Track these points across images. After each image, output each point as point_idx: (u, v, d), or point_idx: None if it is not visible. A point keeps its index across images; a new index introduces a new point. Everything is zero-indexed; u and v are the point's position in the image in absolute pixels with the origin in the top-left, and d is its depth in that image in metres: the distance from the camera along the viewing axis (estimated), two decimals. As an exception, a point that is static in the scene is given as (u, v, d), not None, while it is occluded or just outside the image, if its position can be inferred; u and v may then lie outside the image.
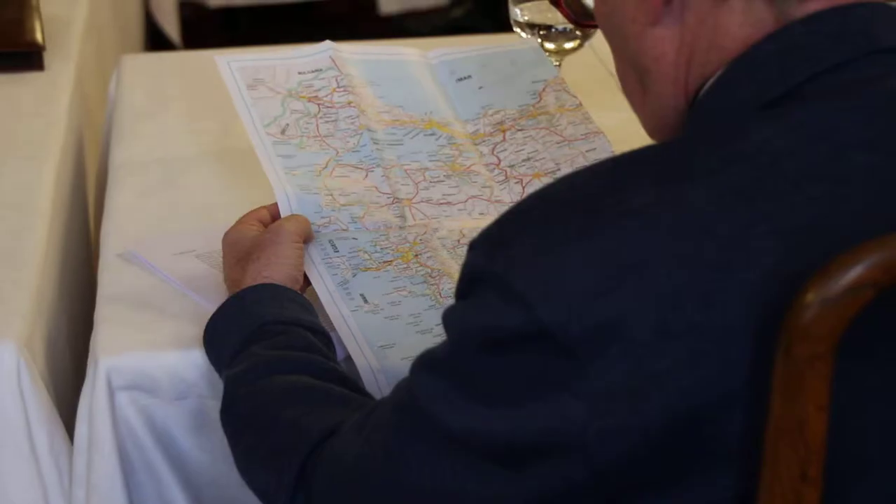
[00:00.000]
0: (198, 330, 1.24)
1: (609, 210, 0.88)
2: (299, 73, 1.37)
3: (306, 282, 1.26)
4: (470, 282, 0.92)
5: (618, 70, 1.05)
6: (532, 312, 0.86)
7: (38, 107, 1.70)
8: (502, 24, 1.68)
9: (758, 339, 0.86)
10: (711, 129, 0.93)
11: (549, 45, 1.54)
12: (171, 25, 3.56)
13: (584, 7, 1.04)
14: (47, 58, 1.79)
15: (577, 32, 1.54)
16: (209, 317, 1.22)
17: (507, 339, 0.88)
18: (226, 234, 1.29)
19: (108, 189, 1.54)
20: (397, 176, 1.34)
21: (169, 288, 1.33)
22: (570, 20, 1.07)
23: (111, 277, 1.36)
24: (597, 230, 0.87)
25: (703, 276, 0.86)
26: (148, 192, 1.51)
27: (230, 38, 3.67)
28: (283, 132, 1.33)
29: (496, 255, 0.89)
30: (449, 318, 0.94)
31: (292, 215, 1.28)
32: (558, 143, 1.40)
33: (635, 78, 1.02)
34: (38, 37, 1.78)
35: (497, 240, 0.91)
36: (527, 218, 0.91)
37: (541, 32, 1.54)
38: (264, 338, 1.16)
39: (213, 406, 1.22)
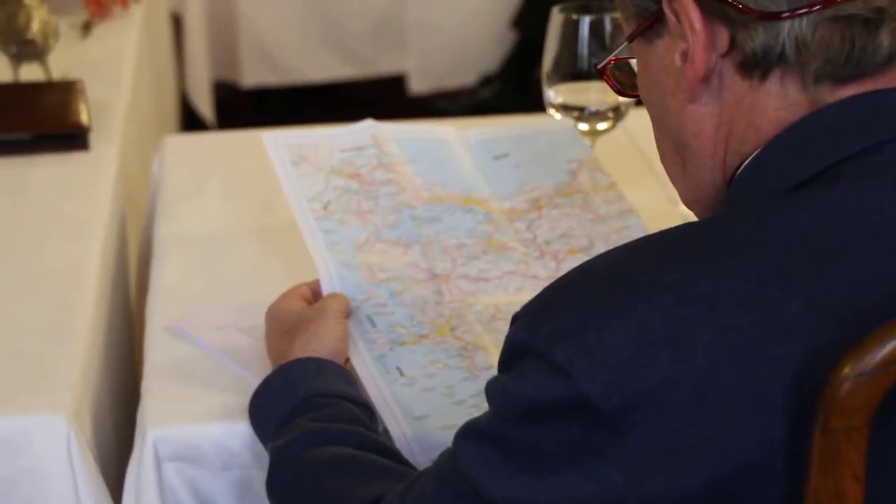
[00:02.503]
0: (241, 401, 1.27)
1: (647, 285, 0.91)
2: (341, 150, 1.41)
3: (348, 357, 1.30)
4: (513, 354, 0.95)
5: (657, 141, 1.07)
6: (573, 384, 0.90)
7: (83, 186, 1.74)
8: (530, 104, 1.72)
9: (794, 412, 0.89)
10: (747, 207, 0.96)
11: (583, 127, 1.58)
12: (205, 106, 3.63)
13: (630, 77, 1.07)
14: (92, 138, 1.84)
15: (610, 114, 1.58)
16: (252, 388, 1.26)
17: (548, 409, 0.92)
18: (270, 309, 1.33)
19: (153, 265, 1.58)
20: (435, 252, 1.38)
21: (213, 360, 1.36)
22: (615, 90, 1.11)
23: (157, 350, 1.40)
24: (635, 304, 0.90)
25: (739, 350, 0.89)
26: (191, 268, 1.55)
27: (262, 117, 3.74)
28: (325, 208, 1.37)
29: (538, 329, 0.93)
30: (492, 388, 0.97)
31: (335, 293, 1.32)
32: (592, 220, 1.44)
33: (674, 150, 1.05)
34: (84, 118, 1.84)
35: (539, 313, 0.94)
36: (568, 292, 0.94)
37: (574, 114, 1.58)
38: (309, 410, 1.19)
39: (258, 476, 1.25)
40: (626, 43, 1.04)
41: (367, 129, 1.44)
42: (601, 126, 1.59)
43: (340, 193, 1.38)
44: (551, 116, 1.60)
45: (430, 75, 3.92)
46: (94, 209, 1.69)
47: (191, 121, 3.58)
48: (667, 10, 0.98)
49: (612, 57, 1.09)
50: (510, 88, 3.83)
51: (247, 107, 3.89)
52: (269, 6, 3.75)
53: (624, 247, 0.97)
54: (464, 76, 3.93)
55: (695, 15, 0.96)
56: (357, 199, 1.38)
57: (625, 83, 1.10)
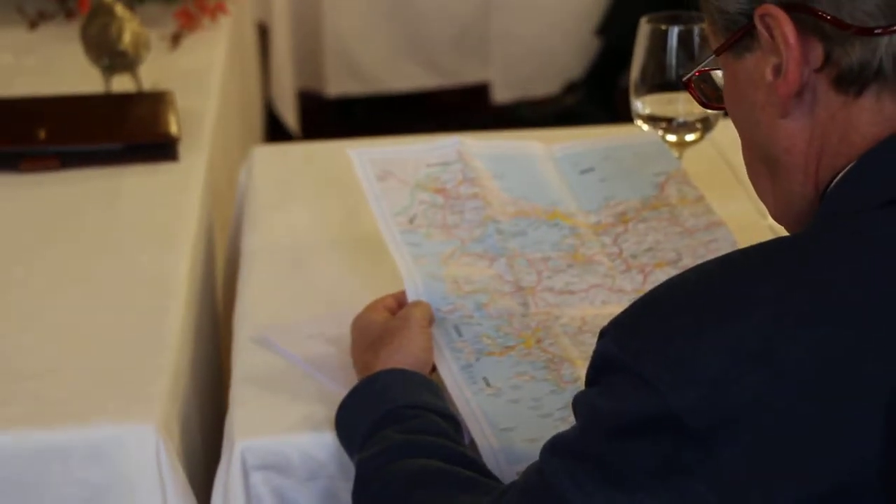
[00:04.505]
0: (328, 411, 1.28)
1: (739, 300, 0.90)
2: (427, 165, 1.42)
3: (434, 366, 1.30)
4: (601, 368, 0.95)
5: (744, 154, 1.06)
6: (662, 399, 0.89)
7: (172, 195, 1.77)
8: (615, 112, 1.71)
9: (889, 431, 0.88)
10: (841, 222, 0.95)
11: (671, 138, 1.57)
12: (290, 115, 3.66)
13: (716, 90, 1.07)
14: (182, 149, 1.86)
15: (698, 125, 1.57)
16: (339, 399, 1.26)
17: (636, 424, 0.91)
18: (355, 320, 1.34)
19: (241, 275, 1.60)
20: (521, 265, 1.38)
21: (300, 370, 1.37)
22: (700, 103, 1.10)
23: (245, 360, 1.41)
24: (727, 320, 0.90)
25: (834, 367, 0.88)
26: (278, 278, 1.57)
27: (346, 127, 3.77)
28: (411, 222, 1.38)
29: (627, 343, 0.92)
30: (579, 403, 0.97)
31: (418, 302, 1.32)
32: (680, 233, 1.43)
33: (763, 165, 1.04)
34: (174, 129, 1.86)
35: (628, 328, 0.94)
36: (657, 307, 0.94)
37: (662, 125, 1.57)
38: (396, 421, 1.20)
39: (343, 487, 1.26)
40: (713, 56, 1.03)
41: (452, 144, 1.44)
42: (689, 137, 1.58)
43: (426, 208, 1.39)
44: (638, 127, 1.59)
45: (513, 84, 3.92)
46: (183, 219, 1.71)
47: (276, 130, 3.61)
48: (759, 25, 0.97)
49: (698, 69, 1.08)
50: (595, 96, 3.82)
51: (331, 116, 3.92)
52: (354, 17, 3.78)
53: (714, 261, 0.96)
54: (548, 84, 3.93)
55: (789, 30, 0.95)
56: (443, 213, 1.39)
57: (710, 96, 1.09)
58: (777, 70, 0.97)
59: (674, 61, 1.54)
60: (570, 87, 3.92)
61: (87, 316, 1.48)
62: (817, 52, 0.96)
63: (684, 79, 1.09)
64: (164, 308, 1.50)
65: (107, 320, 1.48)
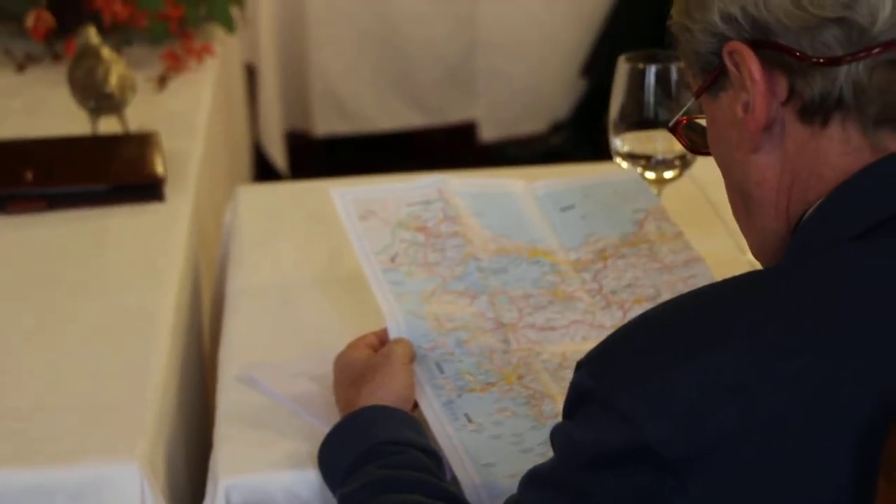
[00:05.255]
0: (312, 449, 1.29)
1: (712, 332, 0.92)
2: (408, 204, 1.43)
3: (416, 402, 1.31)
4: (577, 401, 0.96)
5: (728, 194, 1.09)
6: (637, 431, 0.90)
7: (159, 235, 1.78)
8: (601, 152, 1.73)
9: (861, 459, 0.89)
10: (811, 256, 0.97)
11: (650, 175, 1.59)
12: (278, 155, 3.68)
13: (701, 135, 1.09)
14: (168, 189, 1.88)
15: (677, 162, 1.59)
16: (322, 436, 1.28)
17: (612, 456, 0.92)
18: (337, 357, 1.35)
19: (226, 314, 1.61)
20: (502, 302, 1.40)
21: (284, 408, 1.39)
22: (688, 148, 1.12)
23: (230, 398, 1.42)
24: (700, 352, 0.91)
25: (806, 397, 0.89)
26: (263, 317, 1.58)
27: (334, 166, 3.78)
28: (392, 260, 1.40)
29: (602, 376, 0.94)
30: (556, 435, 0.98)
31: (400, 339, 1.34)
32: (659, 269, 1.45)
33: (741, 202, 1.06)
34: (160, 170, 1.88)
35: (603, 361, 0.95)
36: (632, 340, 0.95)
37: (641, 162, 1.59)
38: (378, 457, 1.21)
39: (327, 523, 1.27)
40: (693, 100, 1.06)
41: (433, 183, 1.46)
42: (668, 174, 1.60)
43: (407, 246, 1.41)
44: (618, 165, 1.61)
45: (500, 123, 3.94)
46: (169, 259, 1.72)
47: (264, 170, 3.63)
48: (727, 62, 0.99)
49: (680, 115, 1.10)
50: (581, 136, 3.84)
51: (319, 156, 3.94)
52: (341, 56, 3.81)
53: (688, 294, 0.98)
54: (534, 124, 3.95)
55: (754, 65, 0.98)
56: (424, 251, 1.40)
57: (696, 141, 1.11)
58: (746, 106, 1.00)
59: (652, 99, 1.56)
60: (557, 127, 3.95)
61: (73, 355, 1.50)
62: (782, 85, 0.98)
63: (669, 126, 1.12)
64: (149, 347, 1.51)
65: (92, 360, 1.49)
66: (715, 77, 1.01)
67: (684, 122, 1.11)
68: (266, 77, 3.67)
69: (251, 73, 3.60)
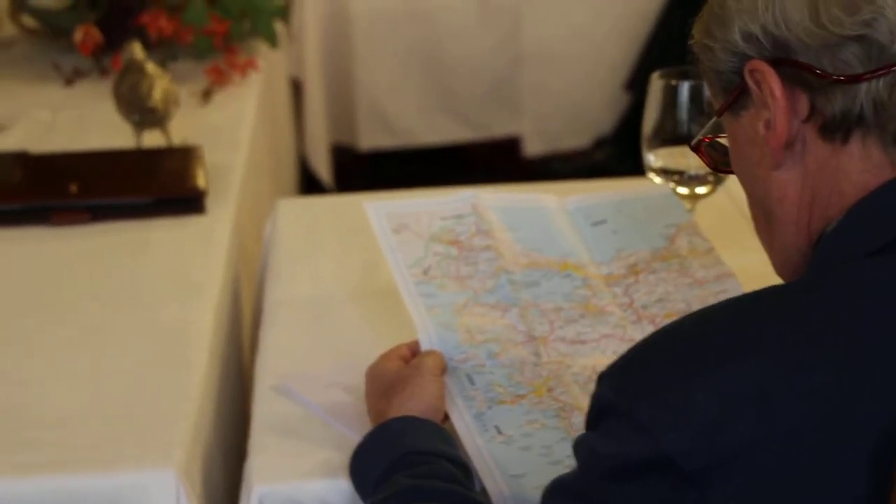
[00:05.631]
0: (344, 458, 1.31)
1: (732, 345, 0.93)
2: (442, 218, 1.45)
3: (446, 414, 1.33)
4: (598, 412, 0.98)
5: (750, 210, 1.10)
6: (657, 442, 0.92)
7: (199, 248, 1.81)
8: (643, 167, 1.75)
9: (877, 472, 0.90)
10: (831, 272, 0.98)
11: (682, 190, 1.61)
12: (323, 168, 3.71)
13: (724, 153, 1.11)
14: (209, 202, 1.91)
15: (710, 178, 1.60)
16: (354, 446, 1.30)
17: (633, 467, 0.94)
18: (369, 368, 1.37)
19: (263, 325, 1.64)
20: (533, 315, 1.41)
21: (318, 418, 1.41)
22: (710, 167, 1.14)
23: (265, 408, 1.45)
24: (720, 365, 0.93)
25: (824, 410, 0.91)
26: (299, 328, 1.60)
27: (379, 180, 3.81)
28: (425, 273, 1.41)
29: (623, 388, 0.95)
30: (579, 446, 1.00)
31: (431, 351, 1.36)
32: (689, 284, 1.46)
33: (764, 218, 1.07)
34: (201, 183, 1.91)
35: (625, 372, 0.97)
36: (653, 352, 0.97)
37: (674, 178, 1.60)
38: (407, 467, 1.23)
39: (357, 532, 1.29)
40: (715, 118, 1.07)
41: (467, 197, 1.48)
42: (701, 190, 1.61)
43: (440, 259, 1.42)
44: (650, 180, 1.62)
45: (544, 138, 3.96)
46: (209, 270, 1.75)
47: (310, 184, 3.67)
48: (749, 81, 1.01)
49: (703, 134, 1.12)
50: (624, 151, 3.85)
51: (364, 170, 3.97)
52: (386, 71, 3.84)
53: (709, 308, 0.99)
54: (578, 138, 3.96)
55: (775, 83, 0.99)
56: (456, 264, 1.42)
57: (719, 159, 1.13)
58: (768, 124, 1.01)
59: (685, 116, 1.57)
60: (600, 142, 3.96)
61: (112, 365, 1.53)
62: (803, 102, 0.99)
63: (692, 144, 1.13)
64: (187, 358, 1.54)
65: (131, 369, 1.52)
66: (736, 95, 1.03)
67: (706, 140, 1.12)
68: (312, 91, 3.70)
69: (297, 88, 3.63)
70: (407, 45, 3.82)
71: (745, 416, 0.91)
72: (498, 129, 3.96)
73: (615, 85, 3.86)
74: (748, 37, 1.00)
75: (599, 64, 3.87)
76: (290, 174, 3.27)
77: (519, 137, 3.96)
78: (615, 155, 3.87)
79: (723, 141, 1.10)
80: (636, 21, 3.82)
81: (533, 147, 3.96)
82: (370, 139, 3.90)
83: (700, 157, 1.12)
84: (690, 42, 1.05)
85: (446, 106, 3.89)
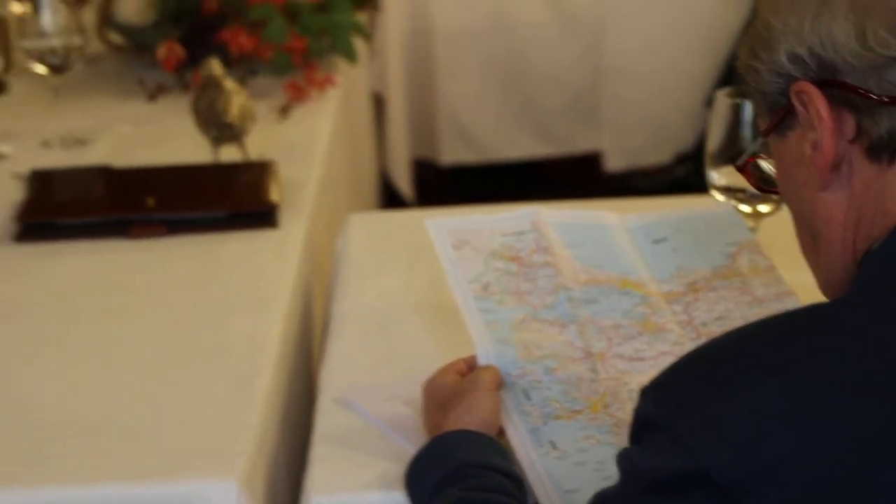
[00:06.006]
0: (401, 471, 1.33)
1: (770, 362, 0.94)
2: (502, 235, 1.47)
3: (501, 428, 1.35)
4: (641, 426, 0.99)
5: (796, 230, 1.11)
6: (695, 457, 0.93)
7: (270, 261, 1.85)
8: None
9: None
10: (874, 292, 0.98)
11: (745, 208, 1.61)
12: (404, 183, 3.74)
13: (771, 174, 1.11)
14: (282, 217, 1.94)
15: (774, 196, 1.60)
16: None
17: (672, 481, 0.95)
18: (427, 382, 1.40)
19: (328, 338, 1.67)
20: (591, 332, 1.42)
21: (377, 430, 1.43)
22: (756, 187, 1.15)
23: (326, 420, 1.47)
24: (758, 380, 0.93)
25: (857, 429, 0.91)
26: (364, 342, 1.63)
27: (461, 195, 3.82)
28: (484, 289, 1.43)
29: (664, 402, 0.97)
30: (622, 460, 1.02)
31: (487, 365, 1.37)
32: (750, 303, 1.46)
33: (810, 238, 1.08)
34: (274, 197, 1.95)
35: (665, 387, 0.98)
36: (694, 367, 0.98)
37: (737, 195, 1.60)
38: (461, 479, 1.24)
39: (413, 543, 1.31)
40: (761, 139, 1.08)
41: (527, 214, 1.50)
42: (763, 208, 1.61)
43: (500, 275, 1.44)
44: (713, 198, 1.63)
45: (625, 153, 3.95)
46: (279, 284, 1.78)
47: (391, 198, 3.70)
48: (795, 102, 1.01)
49: (749, 154, 1.13)
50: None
51: (445, 184, 4.00)
52: (468, 86, 3.86)
53: (752, 324, 1.00)
54: (659, 154, 3.95)
55: (821, 104, 1.00)
56: (516, 280, 1.44)
57: (765, 180, 1.13)
58: (814, 145, 1.01)
59: (748, 134, 1.58)
60: (682, 158, 3.94)
61: (181, 374, 1.56)
62: (850, 123, 1.00)
63: (737, 164, 1.14)
64: (254, 369, 1.57)
65: (199, 380, 1.55)
66: (782, 116, 1.03)
67: (753, 160, 1.13)
68: (394, 106, 3.74)
69: (379, 102, 3.67)
70: (489, 60, 3.84)
71: (780, 431, 0.92)
72: (579, 144, 3.96)
73: (696, 100, 3.85)
74: (794, 58, 1.01)
75: (681, 79, 3.86)
76: (370, 189, 3.30)
77: (599, 153, 3.97)
78: (696, 171, 3.85)
79: (769, 161, 1.11)
80: (718, 36, 3.81)
81: (613, 162, 3.96)
82: (451, 154, 3.93)
83: (746, 176, 1.13)
84: (736, 63, 1.06)
85: (527, 121, 3.91)
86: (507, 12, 3.80)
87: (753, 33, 1.04)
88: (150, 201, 1.94)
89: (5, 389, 1.54)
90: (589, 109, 3.91)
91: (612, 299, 1.45)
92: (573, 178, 3.99)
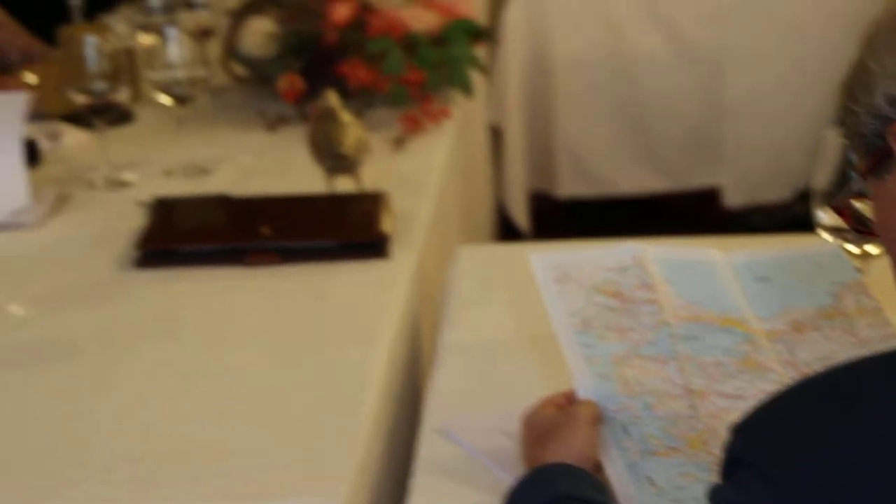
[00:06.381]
0: (499, 502, 1.35)
1: (863, 403, 0.94)
2: (605, 270, 1.48)
3: (599, 463, 1.36)
4: (730, 463, 1.00)
5: (892, 271, 1.10)
6: (783, 496, 0.93)
7: (381, 292, 1.88)
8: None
9: None
10: None
11: (853, 249, 1.59)
12: (521, 216, 3.76)
13: (864, 216, 1.11)
14: (394, 248, 1.98)
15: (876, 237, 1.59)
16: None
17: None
18: (525, 415, 1.41)
19: (434, 368, 1.69)
20: (692, 369, 1.42)
21: (477, 461, 1.45)
22: (852, 227, 1.14)
23: (429, 449, 1.50)
24: (851, 420, 0.93)
25: None
26: (467, 373, 1.65)
27: (577, 227, 3.83)
28: (585, 323, 1.44)
29: (754, 440, 0.97)
30: (712, 496, 1.03)
31: (586, 400, 1.38)
32: (855, 344, 1.45)
33: None
34: (386, 228, 1.98)
35: (755, 425, 0.99)
36: (784, 406, 0.98)
37: (845, 235, 1.59)
38: (556, 511, 1.26)
39: (508, 574, 1.32)
40: (858, 180, 1.08)
41: (630, 250, 1.50)
42: (871, 249, 1.59)
43: (601, 310, 1.45)
44: (819, 237, 1.62)
45: (744, 189, 3.93)
46: (388, 314, 1.81)
47: (507, 230, 3.72)
48: (892, 144, 1.01)
49: (845, 195, 1.12)
50: (825, 205, 3.78)
51: (562, 217, 4.01)
52: (586, 119, 3.87)
53: (845, 363, 1.00)
54: (779, 191, 3.92)
55: None
56: (617, 316, 1.45)
57: (862, 220, 1.13)
58: (915, 189, 1.01)
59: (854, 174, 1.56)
60: (802, 195, 3.90)
61: (288, 400, 1.60)
62: None
63: (833, 204, 1.14)
64: (360, 397, 1.60)
65: (306, 405, 1.59)
66: (880, 158, 1.03)
67: (851, 201, 1.12)
68: (511, 138, 3.76)
69: (496, 134, 3.70)
70: (607, 93, 3.85)
71: (870, 472, 0.91)
72: (697, 179, 3.95)
73: (816, 137, 3.80)
74: (892, 100, 1.01)
75: (803, 114, 3.82)
76: (485, 221, 3.33)
77: (718, 188, 3.94)
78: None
79: (867, 203, 1.11)
80: (840, 73, 3.76)
81: (733, 198, 3.94)
82: (568, 187, 3.94)
83: (843, 218, 1.13)
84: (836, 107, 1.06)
85: (645, 155, 3.90)
86: (625, 45, 3.81)
87: (852, 76, 1.05)
88: (266, 230, 1.99)
89: (121, 411, 1.59)
90: (708, 144, 3.90)
91: (713, 337, 1.45)
92: (691, 213, 3.97)
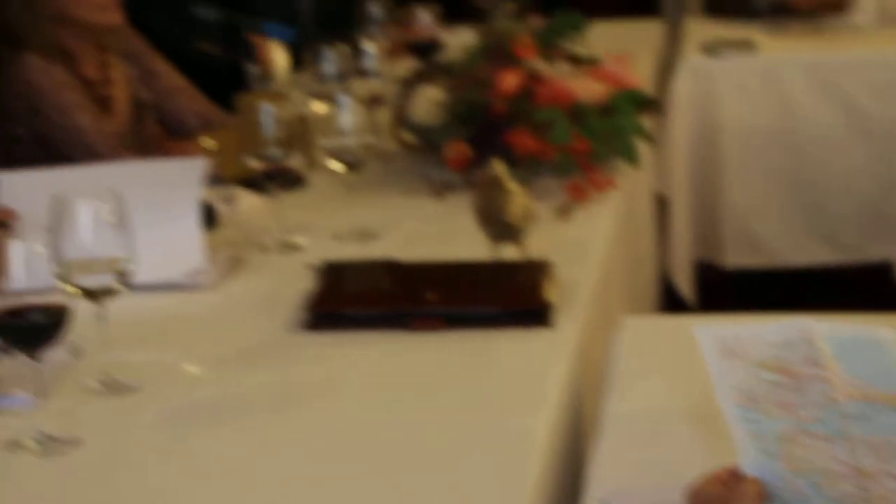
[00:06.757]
0: (660, 578, 1.34)
1: None
2: (770, 345, 1.46)
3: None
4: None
5: None
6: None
7: (544, 360, 1.88)
8: None
9: None
10: None
11: None
12: (686, 286, 3.73)
13: None
14: (557, 316, 1.98)
15: None
16: (671, 567, 1.32)
17: None
18: (691, 491, 1.39)
19: (598, 439, 1.68)
20: (862, 449, 1.39)
21: (639, 535, 1.44)
22: None
23: (589, 521, 1.49)
24: None
25: None
26: (631, 444, 1.64)
27: (744, 299, 3.79)
28: (751, 399, 1.42)
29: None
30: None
31: (752, 478, 1.36)
32: None
33: None
34: (550, 297, 1.99)
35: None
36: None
37: None
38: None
39: None
40: None
41: (796, 325, 1.48)
42: None
43: (767, 386, 1.43)
44: None
45: (922, 264, 3.83)
46: (551, 383, 1.82)
47: (672, 300, 3.69)
48: None
49: None
50: None
51: (729, 288, 3.95)
52: (755, 190, 3.83)
53: None
54: (957, 266, 3.81)
55: None
56: (784, 392, 1.42)
57: None
58: None
59: None
60: (980, 269, 3.79)
61: (449, 467, 1.61)
62: None
63: None
64: (522, 466, 1.60)
65: (467, 473, 1.59)
66: None
67: None
68: (677, 208, 3.74)
69: (662, 204, 3.68)
70: (776, 162, 3.80)
71: None
72: (870, 252, 3.86)
73: None
74: None
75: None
76: (650, 290, 3.31)
77: (892, 262, 3.85)
78: None
79: None
80: None
81: (908, 273, 3.84)
82: (736, 257, 3.89)
83: None
84: None
85: (815, 226, 3.84)
86: (795, 116, 3.77)
87: None
88: (431, 296, 2.01)
89: (288, 471, 1.62)
90: (881, 216, 3.82)
91: (885, 416, 1.41)
92: (864, 287, 3.89)
